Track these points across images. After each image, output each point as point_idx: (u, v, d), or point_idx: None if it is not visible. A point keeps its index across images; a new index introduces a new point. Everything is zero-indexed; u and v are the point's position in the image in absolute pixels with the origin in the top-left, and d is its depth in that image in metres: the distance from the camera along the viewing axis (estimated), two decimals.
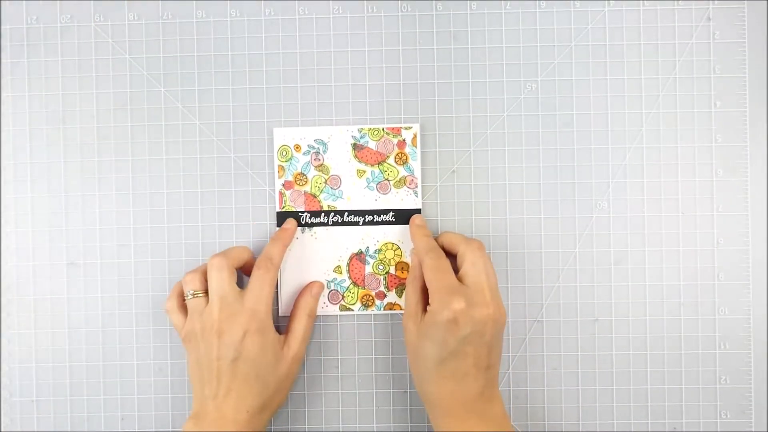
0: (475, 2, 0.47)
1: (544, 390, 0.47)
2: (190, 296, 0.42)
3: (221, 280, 0.42)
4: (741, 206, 0.46)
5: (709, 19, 0.46)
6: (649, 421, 0.46)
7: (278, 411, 0.46)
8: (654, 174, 0.46)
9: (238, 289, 0.42)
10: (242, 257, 0.44)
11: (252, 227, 0.47)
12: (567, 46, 0.47)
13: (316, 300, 0.46)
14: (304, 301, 0.45)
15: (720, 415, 0.46)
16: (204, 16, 0.47)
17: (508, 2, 0.47)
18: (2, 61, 0.47)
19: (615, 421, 0.46)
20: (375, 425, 0.47)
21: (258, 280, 0.42)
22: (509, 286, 0.46)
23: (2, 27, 0.47)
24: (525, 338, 0.47)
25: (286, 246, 0.45)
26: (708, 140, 0.46)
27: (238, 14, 0.47)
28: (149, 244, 0.47)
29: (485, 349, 0.40)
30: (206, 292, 0.42)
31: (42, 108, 0.47)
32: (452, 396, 0.39)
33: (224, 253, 0.43)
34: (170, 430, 0.47)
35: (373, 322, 0.47)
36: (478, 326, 0.39)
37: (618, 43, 0.47)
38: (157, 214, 0.47)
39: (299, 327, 0.44)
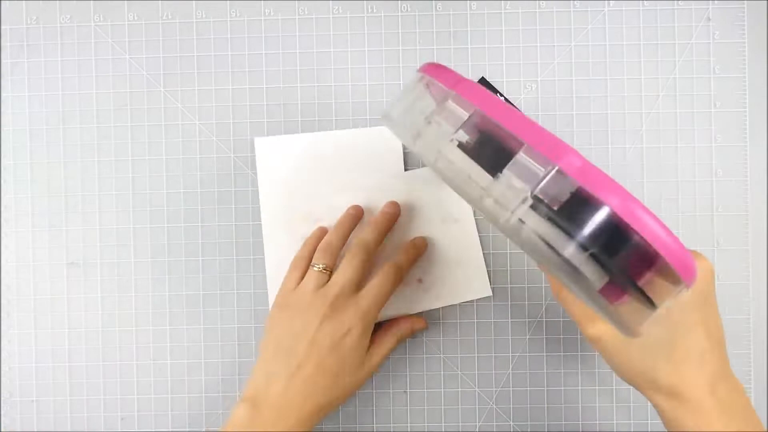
0: (475, 2, 0.47)
1: (544, 390, 0.47)
2: (317, 268, 0.41)
3: (352, 268, 0.41)
4: (741, 206, 0.46)
5: (709, 19, 0.46)
6: (649, 421, 0.46)
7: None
8: (654, 174, 0.46)
9: (360, 281, 0.41)
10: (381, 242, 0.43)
11: (252, 227, 0.47)
12: (567, 46, 0.47)
13: (411, 334, 0.45)
14: (404, 326, 0.44)
15: None
16: (204, 16, 0.47)
17: (508, 2, 0.47)
18: (2, 61, 0.47)
19: (615, 421, 0.46)
20: (375, 425, 0.47)
21: (384, 280, 0.41)
22: (510, 286, 0.46)
23: (2, 27, 0.47)
24: (525, 338, 0.47)
25: (385, 232, 0.44)
26: (708, 140, 0.46)
27: (238, 14, 0.47)
28: (149, 244, 0.47)
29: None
30: (332, 271, 0.42)
31: (42, 108, 0.47)
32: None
33: (367, 240, 0.42)
34: (170, 430, 0.47)
35: None
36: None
37: (618, 43, 0.47)
38: (157, 214, 0.47)
39: (386, 344, 0.43)
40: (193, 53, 0.47)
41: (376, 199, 0.46)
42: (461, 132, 0.29)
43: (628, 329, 0.29)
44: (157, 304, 0.47)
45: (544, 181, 0.26)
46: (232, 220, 0.47)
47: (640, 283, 0.28)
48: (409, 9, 0.47)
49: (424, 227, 0.46)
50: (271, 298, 0.46)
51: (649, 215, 0.25)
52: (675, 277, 0.27)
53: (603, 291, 0.27)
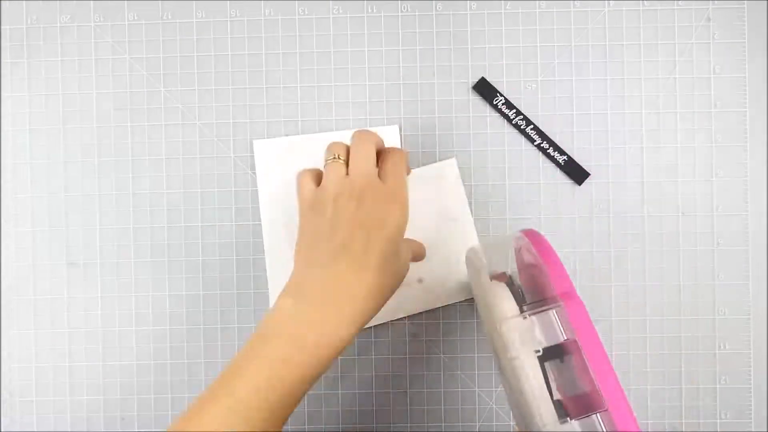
0: (475, 2, 0.47)
1: None
2: (332, 159, 0.38)
3: (365, 156, 0.38)
4: (741, 206, 0.46)
5: (709, 19, 0.46)
6: (649, 422, 0.46)
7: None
8: (654, 174, 0.46)
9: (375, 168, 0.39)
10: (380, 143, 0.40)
11: (252, 227, 0.47)
12: (567, 46, 0.47)
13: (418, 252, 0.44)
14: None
15: (720, 415, 0.46)
16: (204, 16, 0.47)
17: (508, 2, 0.47)
18: (2, 61, 0.47)
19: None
20: (375, 425, 0.47)
21: (398, 162, 0.39)
22: None
23: (2, 27, 0.47)
24: None
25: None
26: (708, 140, 0.46)
27: (238, 14, 0.47)
28: (149, 244, 0.47)
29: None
30: (347, 163, 0.39)
31: (42, 108, 0.47)
32: None
33: (367, 132, 0.40)
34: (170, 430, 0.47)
35: (372, 322, 0.47)
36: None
37: (618, 43, 0.47)
38: (157, 214, 0.47)
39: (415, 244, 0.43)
40: (193, 53, 0.47)
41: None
42: (549, 348, 0.29)
43: None
44: (157, 304, 0.47)
45: None
46: (232, 220, 0.47)
47: None
48: (409, 9, 0.47)
49: (424, 226, 0.46)
50: (272, 298, 0.46)
51: None
52: None
53: None
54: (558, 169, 0.46)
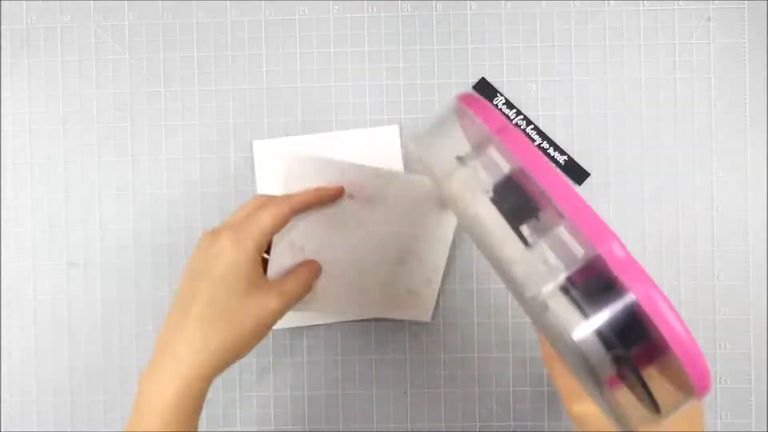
0: (475, 2, 0.47)
1: (544, 390, 0.47)
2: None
3: (245, 211, 0.37)
4: (741, 206, 0.46)
5: (709, 19, 0.46)
6: None
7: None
8: (654, 174, 0.46)
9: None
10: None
11: None
12: (567, 46, 0.47)
13: (316, 274, 0.40)
14: (308, 266, 0.40)
15: (720, 415, 0.46)
16: (204, 16, 0.47)
17: (508, 2, 0.47)
18: (2, 61, 0.47)
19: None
20: (375, 425, 0.47)
21: (262, 209, 0.37)
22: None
23: (2, 27, 0.47)
24: (526, 339, 0.47)
25: (318, 200, 0.39)
26: (708, 140, 0.46)
27: (238, 15, 0.47)
28: (149, 244, 0.47)
29: None
30: None
31: (42, 108, 0.47)
32: None
33: (284, 198, 0.38)
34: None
35: (373, 322, 0.47)
36: None
37: (618, 43, 0.47)
38: (157, 214, 0.47)
39: (301, 274, 0.39)
40: (194, 54, 0.47)
41: (375, 200, 0.46)
42: (497, 185, 0.27)
43: (623, 423, 0.27)
44: (157, 304, 0.47)
45: (580, 265, 0.25)
46: None
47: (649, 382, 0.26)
48: (409, 9, 0.47)
49: (420, 228, 0.46)
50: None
51: (677, 319, 0.24)
52: (685, 386, 0.25)
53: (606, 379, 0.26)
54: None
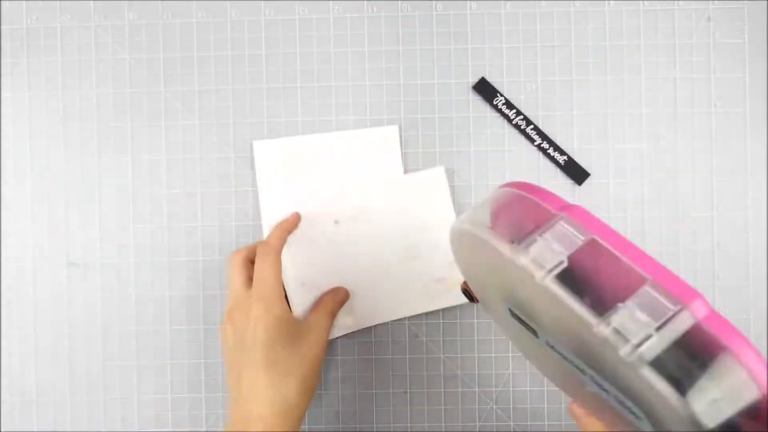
0: (475, 2, 0.47)
1: (544, 390, 0.47)
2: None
3: (230, 276, 0.42)
4: (741, 206, 0.46)
5: (709, 19, 0.46)
6: None
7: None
8: (654, 174, 0.46)
9: (248, 282, 0.42)
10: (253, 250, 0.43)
11: (252, 227, 0.47)
12: (567, 46, 0.47)
13: (339, 305, 0.45)
14: (327, 299, 0.44)
15: None
16: (204, 16, 0.47)
17: (508, 2, 0.47)
18: (2, 61, 0.47)
19: None
20: (375, 425, 0.47)
21: (259, 267, 0.41)
22: None
23: (2, 27, 0.47)
24: None
25: (286, 231, 0.44)
26: (708, 140, 0.46)
27: (238, 15, 0.47)
28: (149, 244, 0.47)
29: None
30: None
31: (42, 108, 0.47)
32: None
33: (270, 242, 0.42)
34: (170, 430, 0.47)
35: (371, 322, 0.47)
36: None
37: (618, 43, 0.47)
38: (157, 214, 0.47)
39: (321, 316, 0.43)
40: (194, 53, 0.47)
41: (374, 200, 0.46)
42: (566, 258, 0.27)
43: None
44: (157, 304, 0.47)
45: (672, 320, 0.25)
46: (232, 220, 0.47)
47: None
48: (409, 9, 0.47)
49: (420, 230, 0.46)
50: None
51: None
52: None
53: None
54: (558, 169, 0.46)
